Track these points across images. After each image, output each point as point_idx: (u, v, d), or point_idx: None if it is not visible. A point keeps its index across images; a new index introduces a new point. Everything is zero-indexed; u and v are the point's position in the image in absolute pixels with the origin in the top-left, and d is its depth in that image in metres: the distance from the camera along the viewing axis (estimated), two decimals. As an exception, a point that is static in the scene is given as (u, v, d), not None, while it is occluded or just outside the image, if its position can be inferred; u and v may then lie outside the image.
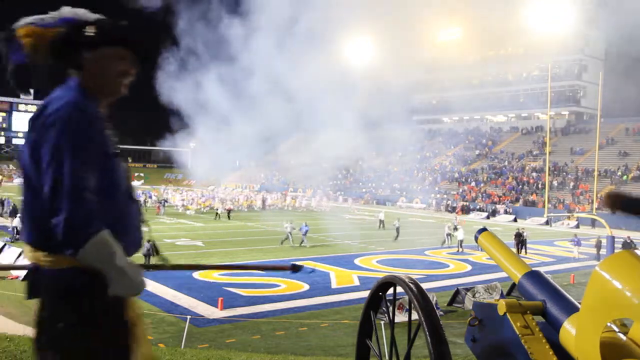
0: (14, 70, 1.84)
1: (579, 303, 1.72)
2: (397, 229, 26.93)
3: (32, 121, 1.76)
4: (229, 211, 36.05)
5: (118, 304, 1.78)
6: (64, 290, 1.72)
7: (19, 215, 24.71)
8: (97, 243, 1.63)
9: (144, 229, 1.98)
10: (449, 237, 24.86)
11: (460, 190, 51.47)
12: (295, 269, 2.17)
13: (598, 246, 23.49)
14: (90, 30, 1.83)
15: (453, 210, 45.83)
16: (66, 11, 1.87)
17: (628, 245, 21.53)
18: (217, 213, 35.17)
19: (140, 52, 1.93)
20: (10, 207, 28.56)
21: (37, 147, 1.70)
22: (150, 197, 43.39)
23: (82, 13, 1.88)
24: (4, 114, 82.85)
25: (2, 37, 1.85)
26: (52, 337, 1.71)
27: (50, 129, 1.68)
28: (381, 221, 31.65)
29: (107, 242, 1.65)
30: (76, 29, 1.83)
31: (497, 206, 45.80)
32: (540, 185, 46.33)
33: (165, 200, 39.98)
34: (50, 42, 1.82)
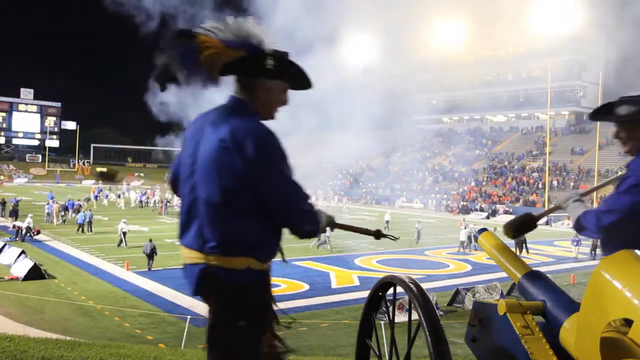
0: (171, 68, 1.94)
1: (579, 303, 1.72)
2: (419, 232, 26.09)
3: (218, 139, 1.93)
4: None
5: (270, 297, 2.11)
6: (237, 286, 1.97)
7: (35, 213, 24.88)
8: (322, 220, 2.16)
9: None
10: (469, 240, 23.87)
11: (460, 190, 51.45)
12: (379, 235, 2.40)
13: (594, 247, 23.45)
14: (270, 63, 2.01)
15: (451, 210, 45.82)
16: (249, 28, 2.01)
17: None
18: None
19: (299, 87, 2.16)
20: (11, 208, 28.50)
21: (233, 161, 1.91)
22: (155, 196, 43.33)
23: (262, 36, 2.03)
24: (4, 114, 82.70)
25: (182, 34, 1.95)
26: (225, 324, 1.98)
27: (250, 148, 1.90)
28: (387, 222, 31.60)
29: (318, 212, 2.13)
30: (258, 58, 2.00)
31: (497, 206, 45.78)
32: (540, 185, 46.32)
33: (168, 201, 39.88)
34: (232, 62, 1.98)
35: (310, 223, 2.07)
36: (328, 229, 2.35)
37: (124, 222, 22.77)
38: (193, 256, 2.02)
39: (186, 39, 1.93)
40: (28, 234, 23.31)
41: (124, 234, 22.15)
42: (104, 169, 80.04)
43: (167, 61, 1.94)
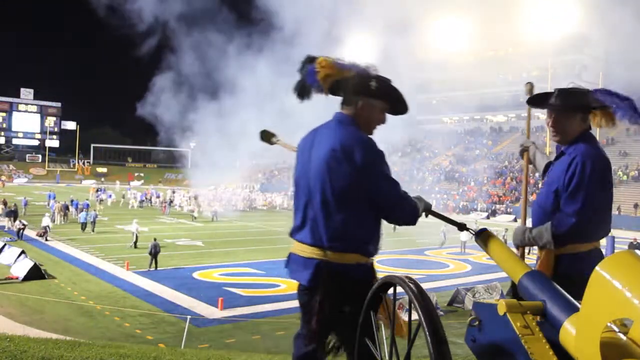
0: (302, 85, 2.48)
1: (579, 303, 1.72)
2: (444, 234, 25.73)
3: (329, 149, 2.30)
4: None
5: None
6: (349, 279, 2.30)
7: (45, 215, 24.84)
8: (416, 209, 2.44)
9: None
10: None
11: (460, 190, 51.46)
12: (463, 228, 2.64)
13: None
14: (373, 84, 2.36)
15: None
16: (359, 59, 2.42)
17: (634, 247, 21.43)
18: (192, 216, 33.54)
19: (397, 110, 2.49)
20: (9, 209, 28.45)
21: (343, 167, 2.27)
22: (158, 196, 43.30)
23: (369, 65, 2.42)
24: (4, 114, 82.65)
25: (306, 59, 2.46)
26: (338, 311, 2.29)
27: (358, 155, 2.26)
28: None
29: (416, 202, 2.44)
30: (364, 79, 2.37)
31: (497, 206, 45.79)
32: (540, 185, 46.27)
33: (171, 201, 39.84)
34: (341, 81, 2.39)
35: (409, 214, 2.41)
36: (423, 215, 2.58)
37: (136, 222, 22.75)
38: (308, 251, 2.36)
39: (310, 61, 2.42)
40: (45, 235, 23.51)
41: (137, 235, 22.09)
42: (104, 169, 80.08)
43: (302, 79, 2.46)
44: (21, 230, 23.64)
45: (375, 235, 2.40)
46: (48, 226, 23.87)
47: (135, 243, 21.87)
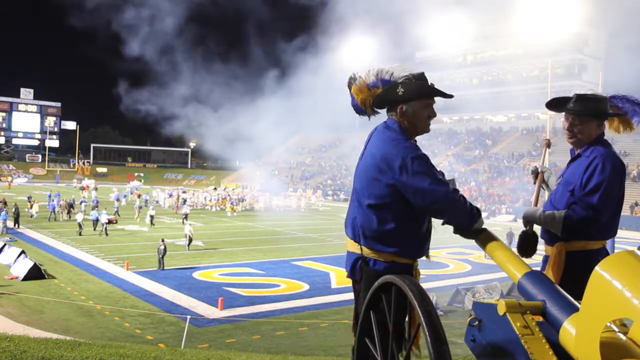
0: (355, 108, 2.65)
1: (579, 303, 1.72)
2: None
3: (370, 153, 2.47)
4: (185, 215, 31.24)
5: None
6: (379, 275, 2.36)
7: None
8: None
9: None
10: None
11: (460, 190, 51.43)
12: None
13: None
14: (400, 90, 2.44)
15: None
16: (384, 67, 2.54)
17: None
18: (151, 222, 29.39)
19: (440, 96, 2.53)
20: (13, 210, 28.42)
21: (375, 172, 2.40)
22: (170, 195, 43.30)
23: (396, 72, 2.51)
24: (4, 114, 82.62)
25: (348, 86, 2.61)
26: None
27: (396, 161, 2.34)
28: None
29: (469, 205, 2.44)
30: (391, 89, 2.47)
31: (498, 206, 45.79)
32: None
33: (185, 200, 39.83)
34: (374, 99, 2.54)
35: (461, 214, 2.41)
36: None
37: (190, 225, 22.69)
38: (350, 245, 2.54)
39: (349, 86, 2.60)
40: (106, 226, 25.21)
41: (190, 237, 21.94)
42: (104, 169, 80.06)
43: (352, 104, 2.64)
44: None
45: (413, 237, 2.48)
46: (106, 222, 25.18)
47: (188, 244, 21.71)
